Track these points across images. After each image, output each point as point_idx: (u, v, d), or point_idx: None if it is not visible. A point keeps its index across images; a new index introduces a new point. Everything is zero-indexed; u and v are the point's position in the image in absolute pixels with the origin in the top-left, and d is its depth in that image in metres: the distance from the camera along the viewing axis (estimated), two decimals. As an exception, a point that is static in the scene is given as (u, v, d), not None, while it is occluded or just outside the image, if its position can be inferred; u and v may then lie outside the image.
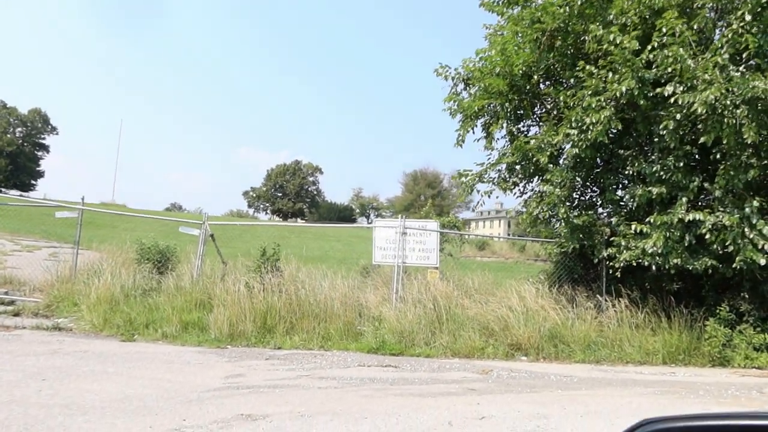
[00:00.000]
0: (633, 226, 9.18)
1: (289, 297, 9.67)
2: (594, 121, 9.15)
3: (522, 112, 11.80)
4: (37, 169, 79.01)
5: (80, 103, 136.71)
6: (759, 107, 8.83)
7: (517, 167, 11.38)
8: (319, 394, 6.05)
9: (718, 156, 9.17)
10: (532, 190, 11.69)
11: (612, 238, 9.80)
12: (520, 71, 11.14)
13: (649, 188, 9.35)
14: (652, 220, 9.02)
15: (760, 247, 8.50)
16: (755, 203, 8.75)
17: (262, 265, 10.65)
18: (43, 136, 79.56)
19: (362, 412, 5.34)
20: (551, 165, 10.13)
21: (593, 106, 9.28)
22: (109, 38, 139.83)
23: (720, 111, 8.71)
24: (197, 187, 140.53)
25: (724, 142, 8.76)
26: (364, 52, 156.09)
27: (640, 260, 9.23)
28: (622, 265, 9.59)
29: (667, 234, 8.92)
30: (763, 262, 8.41)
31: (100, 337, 9.05)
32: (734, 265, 8.83)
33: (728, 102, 8.65)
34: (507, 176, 11.73)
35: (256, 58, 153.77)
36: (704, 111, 8.48)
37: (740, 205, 8.91)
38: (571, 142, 9.71)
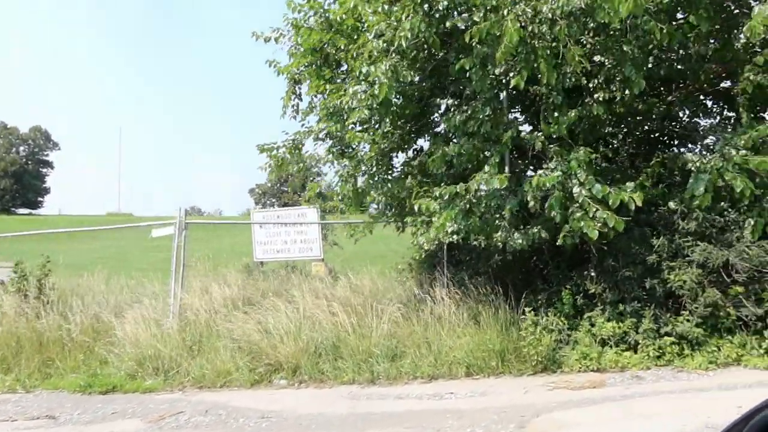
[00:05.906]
0: (417, 205, 6.88)
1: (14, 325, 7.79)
2: (380, 74, 6.82)
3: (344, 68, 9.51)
4: (43, 186, 79.51)
5: (81, 114, 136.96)
6: (586, 21, 6.50)
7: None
8: None
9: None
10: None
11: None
12: (342, 17, 8.93)
13: (445, 147, 7.07)
14: (439, 193, 6.73)
15: (591, 214, 6.14)
16: (581, 153, 6.42)
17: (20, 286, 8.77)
18: (46, 153, 79.95)
19: None
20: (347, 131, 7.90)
21: (377, 53, 7.06)
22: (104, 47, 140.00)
23: (528, 41, 6.38)
24: (218, 190, 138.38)
25: (540, 76, 6.44)
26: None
27: (444, 240, 7.02)
28: (428, 248, 7.43)
29: (467, 207, 6.67)
30: (596, 235, 6.07)
31: None
32: (558, 242, 6.54)
33: (536, 30, 6.33)
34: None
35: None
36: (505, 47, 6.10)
37: (566, 156, 6.60)
38: (358, 103, 7.38)
